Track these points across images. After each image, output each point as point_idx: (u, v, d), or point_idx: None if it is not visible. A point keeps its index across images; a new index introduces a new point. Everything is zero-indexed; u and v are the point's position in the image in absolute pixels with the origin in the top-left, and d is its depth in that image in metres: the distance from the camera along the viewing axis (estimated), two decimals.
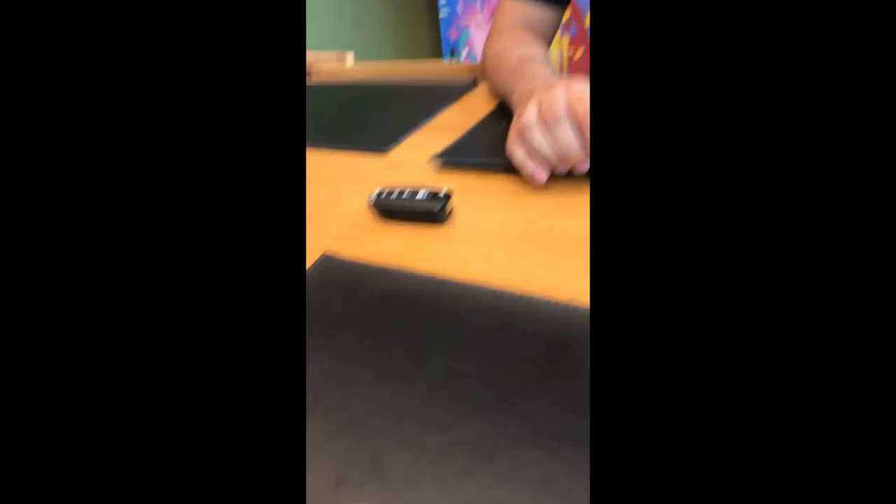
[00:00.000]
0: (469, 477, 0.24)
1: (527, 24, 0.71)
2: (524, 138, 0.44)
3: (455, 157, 0.54)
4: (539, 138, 0.43)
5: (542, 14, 0.71)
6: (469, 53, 2.02)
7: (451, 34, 2.07)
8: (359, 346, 0.31)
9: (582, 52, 1.88)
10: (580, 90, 0.41)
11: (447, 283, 0.36)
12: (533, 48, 0.65)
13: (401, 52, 2.23)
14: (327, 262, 0.40)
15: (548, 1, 0.71)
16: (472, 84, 0.81)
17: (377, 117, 0.73)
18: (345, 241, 0.43)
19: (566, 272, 0.35)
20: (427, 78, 0.93)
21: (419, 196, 0.43)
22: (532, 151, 0.44)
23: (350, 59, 1.18)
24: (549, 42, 0.74)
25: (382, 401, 0.28)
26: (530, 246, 0.39)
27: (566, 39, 2.34)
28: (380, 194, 0.45)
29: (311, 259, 0.41)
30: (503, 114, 0.63)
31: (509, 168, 0.47)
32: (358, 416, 0.27)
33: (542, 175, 0.44)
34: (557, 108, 0.41)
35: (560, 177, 0.45)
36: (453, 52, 2.02)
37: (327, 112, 0.79)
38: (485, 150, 0.54)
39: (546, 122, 0.42)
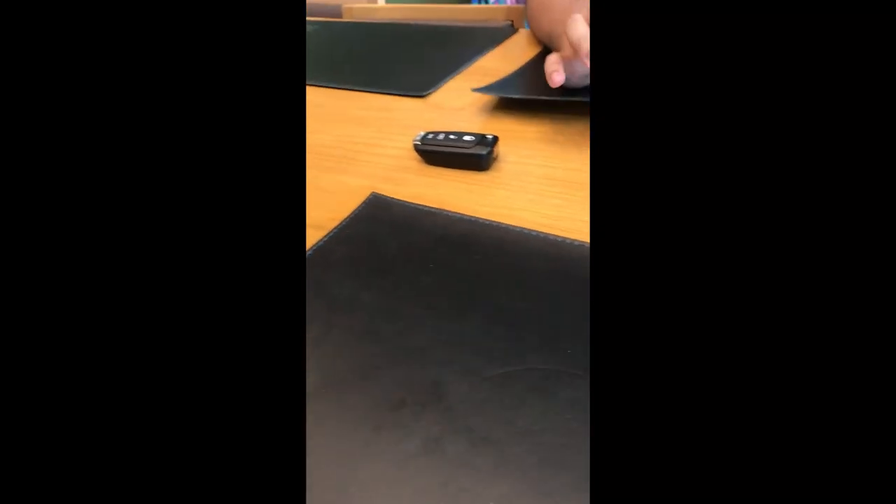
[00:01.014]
0: (525, 407, 0.25)
1: None
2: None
3: (499, 91, 0.53)
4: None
5: None
6: None
7: None
8: (414, 282, 0.32)
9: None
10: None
11: (497, 226, 0.36)
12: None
13: None
14: (377, 200, 0.41)
15: None
16: (511, 29, 0.79)
17: (414, 60, 0.71)
18: (391, 184, 0.43)
19: None
20: (462, 20, 0.91)
21: (466, 139, 0.43)
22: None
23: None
24: None
25: (439, 334, 0.29)
26: (576, 193, 0.40)
27: None
28: (425, 137, 0.45)
29: (360, 198, 0.41)
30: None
31: (553, 105, 0.47)
32: (417, 346, 0.28)
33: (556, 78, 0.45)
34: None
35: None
36: None
37: (361, 53, 0.77)
38: (528, 89, 0.54)
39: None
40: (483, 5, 1.15)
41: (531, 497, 0.22)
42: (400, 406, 0.26)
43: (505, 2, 1.89)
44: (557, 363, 0.27)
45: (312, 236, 0.37)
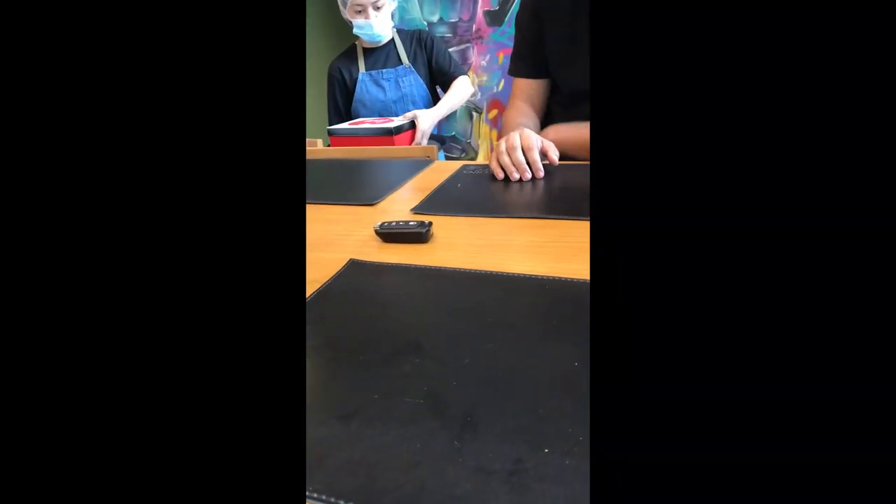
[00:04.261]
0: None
1: (527, 95, 1.08)
2: (498, 157, 0.82)
3: (429, 209, 0.77)
4: (504, 157, 0.81)
5: (535, 86, 1.09)
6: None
7: None
8: (395, 305, 0.51)
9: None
10: (528, 132, 0.80)
11: (439, 269, 0.57)
12: (527, 121, 1.03)
13: None
14: (355, 262, 0.60)
15: (535, 77, 1.08)
16: (428, 160, 1.06)
17: (360, 182, 0.95)
18: (362, 255, 0.63)
19: (522, 262, 0.57)
20: (391, 157, 1.18)
21: (410, 223, 0.65)
22: (500, 164, 0.83)
23: (320, 143, 1.42)
24: (542, 105, 1.10)
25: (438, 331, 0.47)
26: (488, 248, 0.61)
27: (496, 132, 2.72)
28: (382, 224, 0.66)
29: (340, 264, 0.60)
30: (458, 178, 0.87)
31: (467, 212, 0.71)
32: (416, 342, 0.46)
33: (500, 174, 0.83)
34: (513, 140, 0.80)
35: (503, 217, 0.69)
36: (479, 111, 2.44)
37: (316, 179, 1.00)
38: (449, 203, 0.78)
39: (507, 148, 0.79)
40: (407, 146, 1.46)
41: None
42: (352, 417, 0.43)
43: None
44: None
45: (309, 288, 0.55)
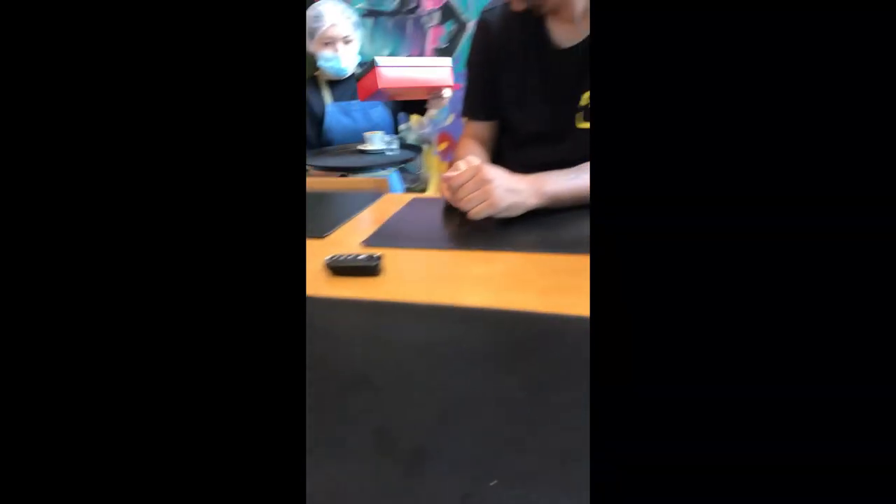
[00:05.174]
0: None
1: (478, 136, 1.11)
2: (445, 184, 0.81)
3: (378, 242, 0.77)
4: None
5: (486, 127, 1.11)
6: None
7: None
8: (345, 340, 0.51)
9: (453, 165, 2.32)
10: (472, 160, 0.81)
11: (393, 304, 0.57)
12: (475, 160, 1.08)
13: None
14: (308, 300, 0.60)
15: (486, 119, 1.10)
16: (378, 194, 1.07)
17: (310, 214, 0.95)
18: (311, 290, 0.63)
19: (471, 294, 0.59)
20: (341, 189, 1.18)
21: (360, 257, 0.65)
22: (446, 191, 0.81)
23: None
24: (491, 143, 1.12)
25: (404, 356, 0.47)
26: (444, 282, 0.62)
27: (445, 164, 2.77)
28: (332, 257, 0.66)
29: None
30: (408, 211, 0.89)
31: (418, 244, 0.72)
32: (369, 377, 0.46)
33: (447, 194, 0.81)
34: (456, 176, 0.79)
35: (453, 249, 0.71)
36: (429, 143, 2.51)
37: None
38: (398, 235, 0.79)
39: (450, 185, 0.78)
40: (355, 178, 1.47)
41: None
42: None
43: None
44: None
45: None
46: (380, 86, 1.38)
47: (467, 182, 0.75)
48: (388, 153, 1.65)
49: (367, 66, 1.48)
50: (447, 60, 1.52)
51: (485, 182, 0.74)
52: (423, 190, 2.78)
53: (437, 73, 1.48)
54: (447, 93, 1.56)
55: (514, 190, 0.76)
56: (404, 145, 1.78)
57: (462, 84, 1.20)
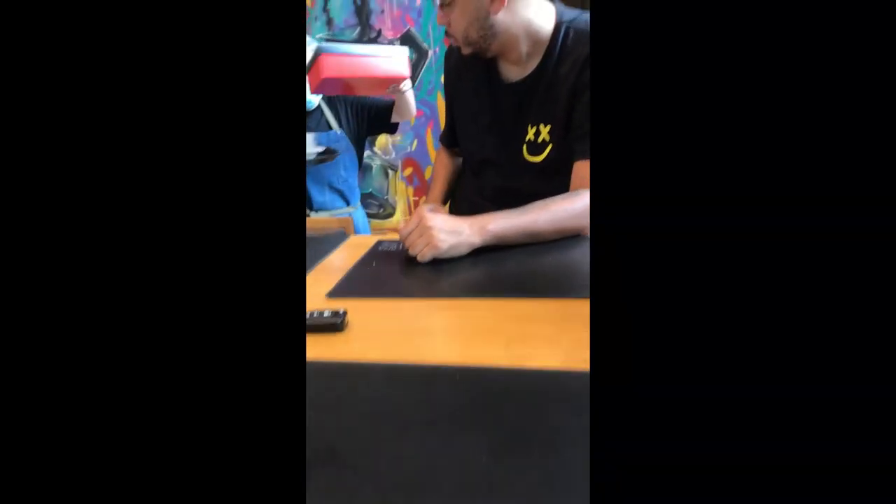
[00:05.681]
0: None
1: (443, 161, 1.25)
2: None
3: (343, 292, 0.78)
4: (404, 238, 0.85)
5: (449, 154, 1.26)
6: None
7: None
8: (309, 408, 0.51)
9: (424, 199, 2.33)
10: (420, 209, 0.86)
11: (359, 365, 0.57)
12: (433, 193, 1.19)
13: None
14: None
15: (450, 146, 1.24)
16: (344, 235, 1.08)
17: None
18: None
19: (436, 348, 0.59)
20: (308, 231, 1.18)
21: (325, 314, 0.65)
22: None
23: None
24: (457, 168, 1.24)
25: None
26: (410, 336, 0.63)
27: (411, 189, 2.79)
28: None
29: None
30: (373, 255, 0.89)
31: (383, 293, 0.72)
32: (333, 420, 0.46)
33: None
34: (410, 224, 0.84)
35: (418, 298, 0.71)
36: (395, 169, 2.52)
37: None
38: (363, 285, 0.79)
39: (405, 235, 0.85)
40: (320, 217, 1.46)
41: None
42: None
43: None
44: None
45: None
46: (323, 75, 1.23)
47: (413, 230, 0.83)
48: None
49: (314, 55, 1.30)
50: (403, 49, 1.35)
51: (426, 228, 0.82)
52: (391, 215, 2.79)
53: (392, 63, 1.31)
54: (406, 85, 1.41)
55: (454, 231, 0.83)
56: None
57: (423, 112, 1.28)
